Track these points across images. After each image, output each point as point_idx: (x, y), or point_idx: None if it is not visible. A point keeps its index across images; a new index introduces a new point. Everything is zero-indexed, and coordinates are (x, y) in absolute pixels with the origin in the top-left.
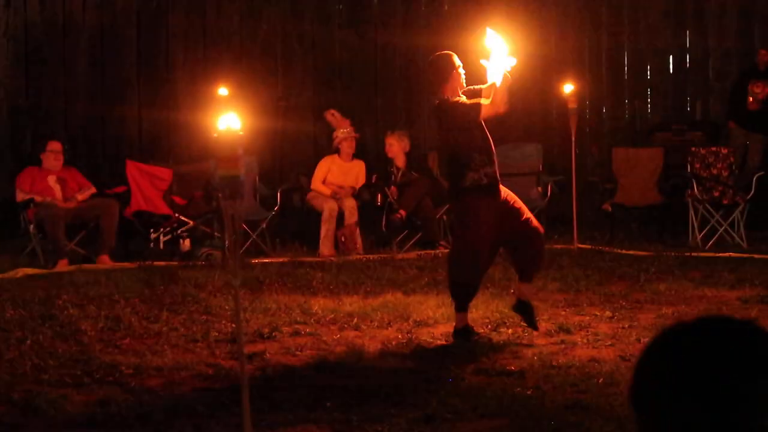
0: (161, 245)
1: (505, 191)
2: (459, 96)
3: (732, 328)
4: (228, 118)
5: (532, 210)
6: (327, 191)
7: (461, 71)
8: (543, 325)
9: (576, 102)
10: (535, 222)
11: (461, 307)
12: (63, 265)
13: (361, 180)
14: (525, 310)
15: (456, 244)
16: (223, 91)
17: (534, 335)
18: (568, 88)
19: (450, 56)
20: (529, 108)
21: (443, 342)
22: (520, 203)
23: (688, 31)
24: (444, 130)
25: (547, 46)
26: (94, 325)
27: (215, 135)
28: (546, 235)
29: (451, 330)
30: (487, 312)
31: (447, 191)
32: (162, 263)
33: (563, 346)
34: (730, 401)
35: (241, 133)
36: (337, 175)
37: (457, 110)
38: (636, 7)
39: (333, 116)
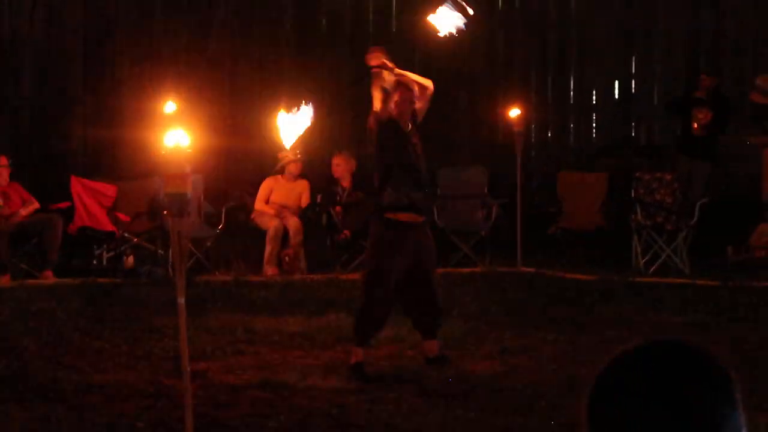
0: (104, 262)
1: (429, 242)
2: (398, 115)
3: (689, 353)
4: (176, 135)
5: (476, 232)
6: (271, 211)
7: (397, 92)
8: (486, 348)
9: (522, 125)
10: (436, 294)
11: (362, 340)
12: (5, 281)
13: (305, 199)
14: (441, 365)
15: (366, 269)
16: (170, 106)
17: (478, 357)
18: (514, 112)
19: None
20: (475, 131)
21: (387, 363)
22: (432, 264)
23: (634, 57)
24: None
25: (494, 69)
26: (36, 341)
27: (163, 152)
28: (490, 258)
29: (395, 351)
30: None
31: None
32: (105, 280)
33: (506, 368)
34: (681, 425)
35: (189, 150)
36: (281, 194)
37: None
38: (583, 32)
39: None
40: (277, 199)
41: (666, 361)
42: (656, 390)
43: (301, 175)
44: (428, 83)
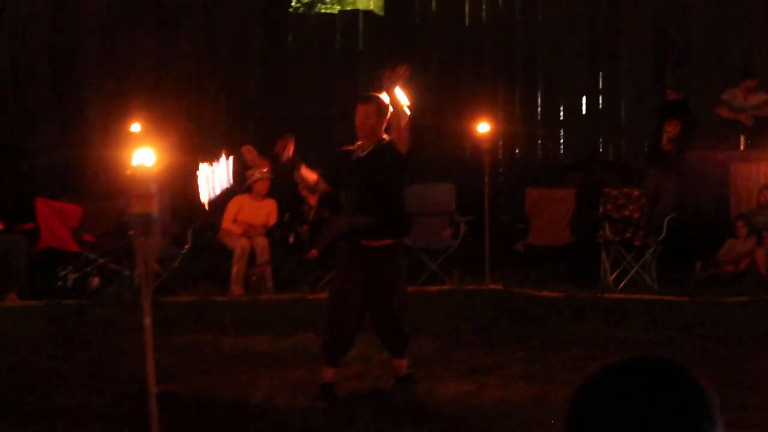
0: (70, 283)
1: (392, 264)
2: (358, 129)
3: (667, 369)
4: (142, 154)
5: (444, 250)
6: (238, 230)
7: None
8: (455, 366)
9: (489, 141)
10: (397, 316)
11: (331, 360)
12: None
13: (273, 219)
14: (409, 384)
15: (331, 289)
16: (135, 127)
17: (446, 375)
18: (483, 127)
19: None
20: (442, 147)
21: (356, 382)
22: (393, 287)
23: (601, 72)
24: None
25: (462, 85)
26: (0, 364)
27: (129, 172)
28: (458, 275)
29: (364, 370)
30: None
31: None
32: (70, 301)
33: (475, 386)
34: None
35: (154, 169)
36: (248, 213)
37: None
38: (550, 48)
39: (249, 152)
40: (244, 218)
41: (645, 379)
42: (635, 408)
43: (269, 194)
44: (401, 114)
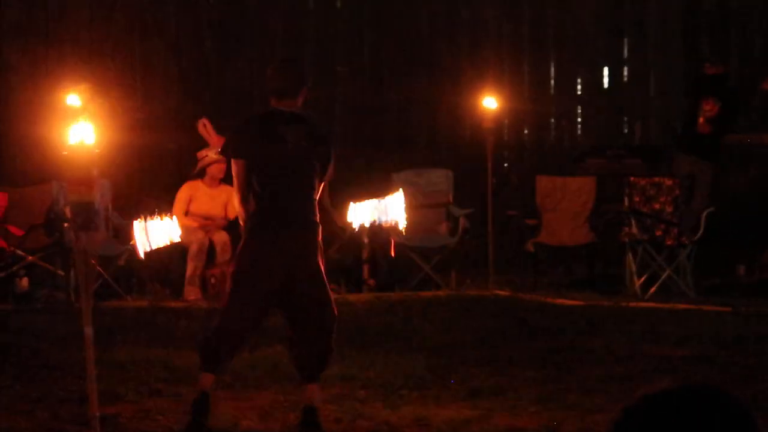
0: None
1: (312, 262)
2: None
3: (711, 397)
4: (81, 131)
5: (440, 249)
6: (193, 223)
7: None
8: (454, 388)
9: (493, 121)
10: (328, 320)
11: (207, 365)
12: None
13: (233, 208)
14: (310, 423)
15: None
16: (73, 99)
17: (443, 399)
18: (489, 102)
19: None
20: (437, 128)
21: (334, 406)
22: (322, 284)
23: (625, 40)
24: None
25: (458, 55)
26: None
27: (65, 153)
28: (457, 279)
29: (346, 392)
30: (386, 371)
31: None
32: None
33: (478, 412)
34: None
35: (96, 150)
36: (203, 203)
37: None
38: (564, 11)
39: (205, 128)
40: (197, 209)
41: (694, 413)
42: None
43: (225, 179)
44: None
